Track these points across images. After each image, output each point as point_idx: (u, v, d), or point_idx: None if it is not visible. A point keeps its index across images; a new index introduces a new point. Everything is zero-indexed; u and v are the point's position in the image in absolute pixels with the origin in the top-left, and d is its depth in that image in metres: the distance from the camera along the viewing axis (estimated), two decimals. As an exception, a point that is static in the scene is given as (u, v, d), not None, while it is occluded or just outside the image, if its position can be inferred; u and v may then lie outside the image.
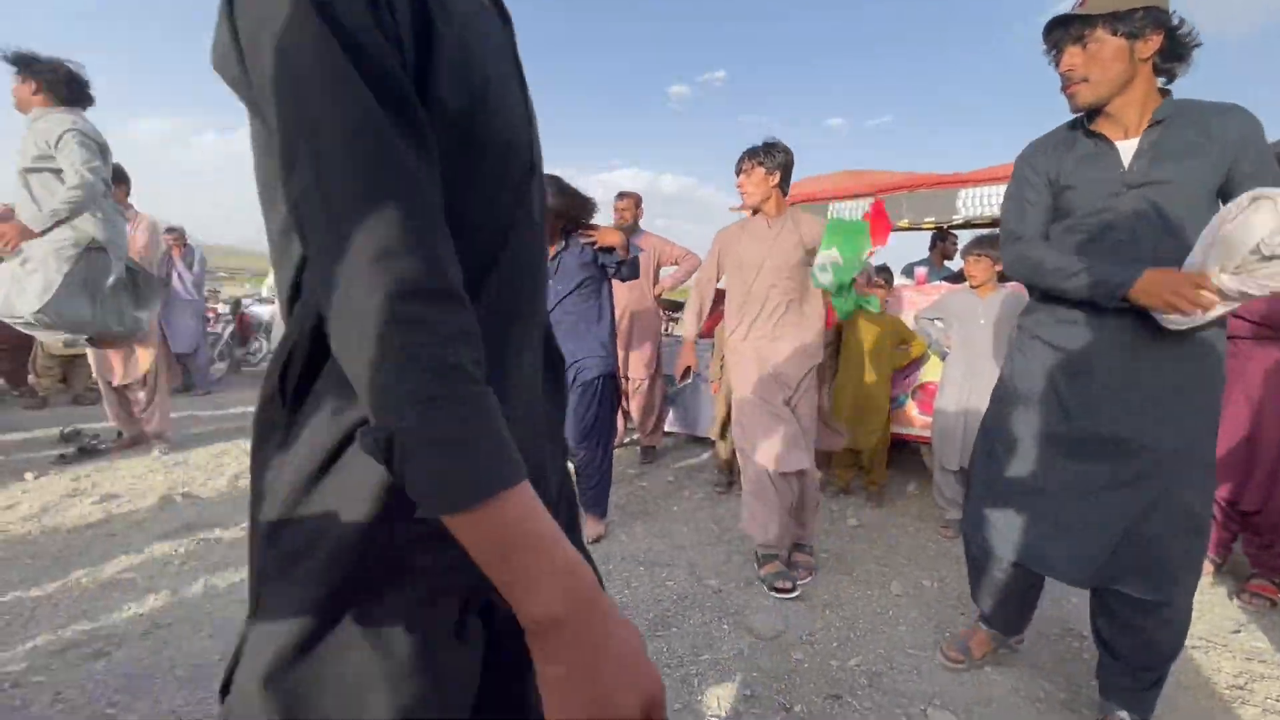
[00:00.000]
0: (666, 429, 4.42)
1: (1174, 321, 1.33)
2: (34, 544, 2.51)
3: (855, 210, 4.16)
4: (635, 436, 4.25)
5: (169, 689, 1.67)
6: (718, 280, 2.67)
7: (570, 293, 2.61)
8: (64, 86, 2.78)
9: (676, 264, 4.08)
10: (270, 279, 8.37)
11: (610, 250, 2.57)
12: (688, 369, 2.63)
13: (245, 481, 3.35)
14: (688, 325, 2.75)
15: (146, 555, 2.44)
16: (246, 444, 4.07)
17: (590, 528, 2.78)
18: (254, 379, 6.03)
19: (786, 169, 2.43)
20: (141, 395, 3.79)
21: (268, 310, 7.21)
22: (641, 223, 4.13)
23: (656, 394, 4.10)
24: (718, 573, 2.52)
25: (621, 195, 4.13)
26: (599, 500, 2.78)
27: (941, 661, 1.91)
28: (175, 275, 5.94)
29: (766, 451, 2.36)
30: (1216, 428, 1.46)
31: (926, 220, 4.19)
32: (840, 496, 3.51)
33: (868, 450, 3.35)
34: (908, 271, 4.67)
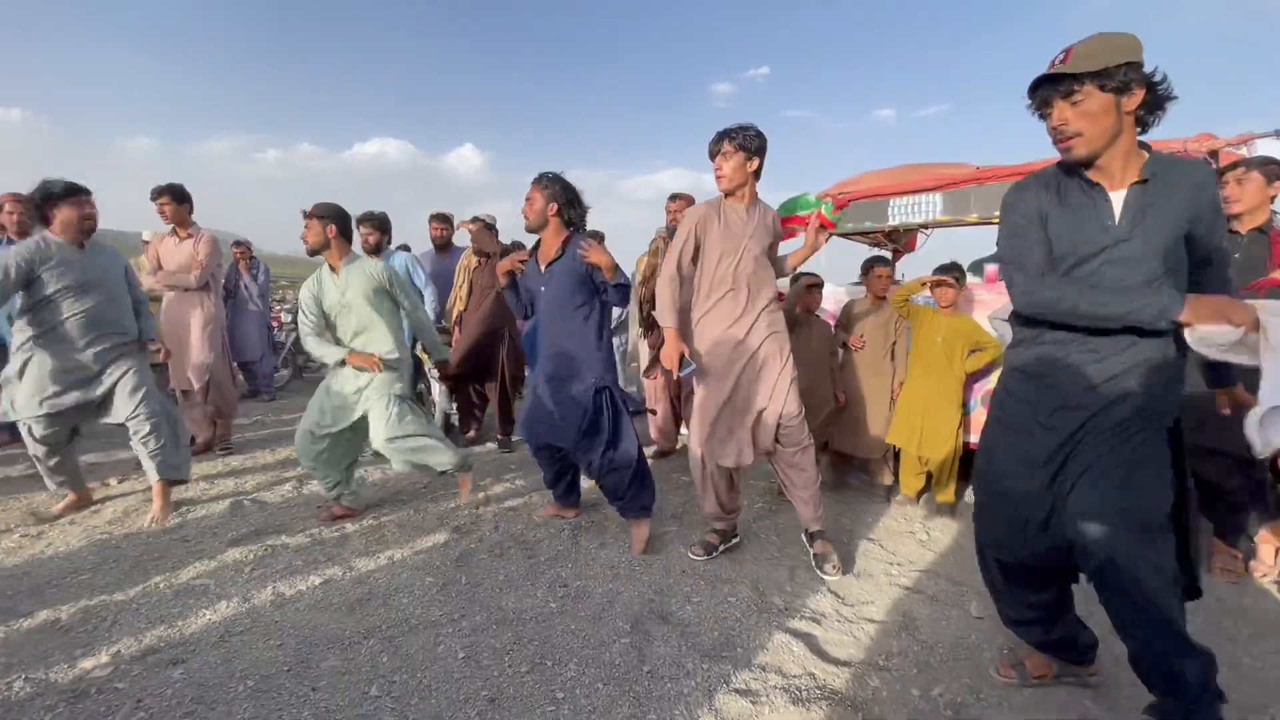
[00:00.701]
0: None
1: (1209, 341, 1.35)
2: (118, 548, 2.62)
3: (918, 207, 3.96)
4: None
5: (240, 701, 1.69)
6: (694, 262, 2.51)
7: (562, 299, 2.64)
8: None
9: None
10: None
11: (597, 270, 2.57)
12: (682, 356, 2.47)
13: (309, 487, 3.45)
14: (666, 313, 2.46)
15: (219, 562, 2.50)
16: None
17: (636, 531, 2.72)
18: (315, 384, 6.22)
19: (763, 154, 2.43)
20: (206, 402, 3.96)
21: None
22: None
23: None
24: (782, 590, 2.41)
25: (674, 197, 4.06)
26: (633, 501, 2.67)
27: (995, 677, 1.86)
28: (242, 285, 6.21)
29: (707, 442, 2.50)
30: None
31: (995, 215, 3.96)
32: (908, 507, 3.33)
33: (936, 460, 3.17)
34: (976, 268, 4.43)
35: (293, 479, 3.63)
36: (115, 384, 2.89)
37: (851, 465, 3.76)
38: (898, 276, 5.93)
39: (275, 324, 7.26)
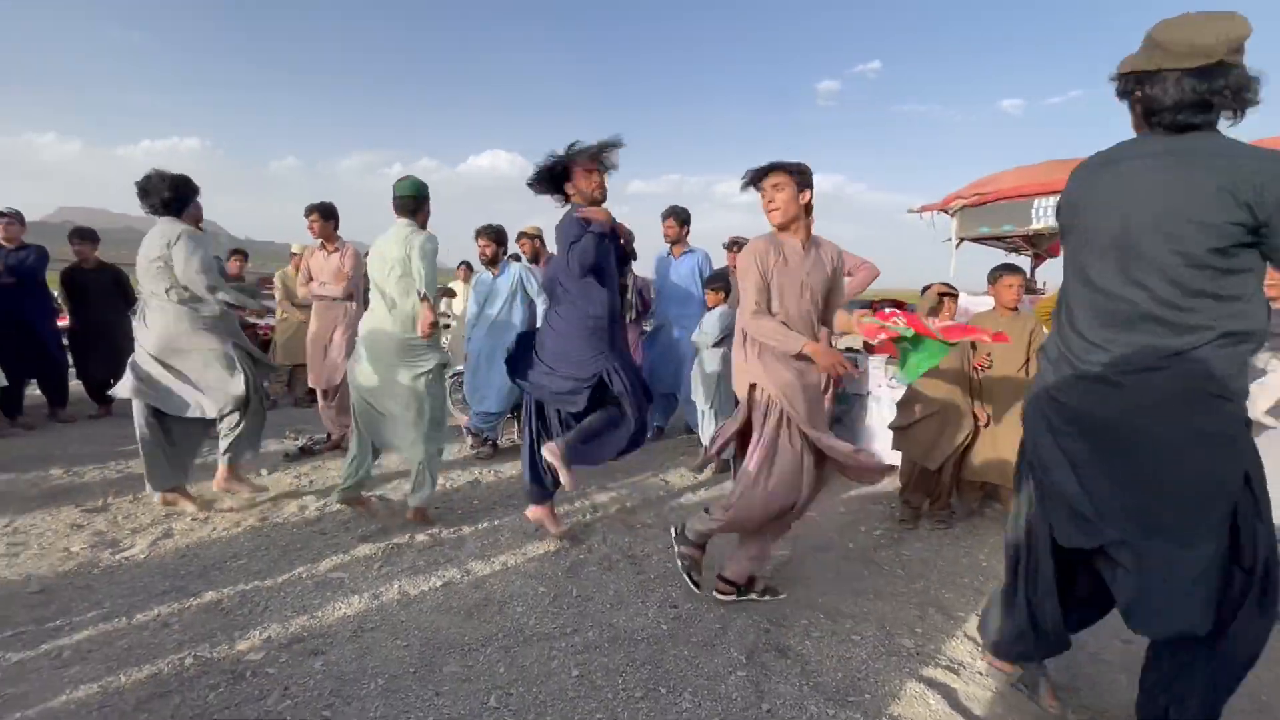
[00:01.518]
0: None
1: None
2: (267, 537, 2.87)
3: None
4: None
5: (372, 698, 1.77)
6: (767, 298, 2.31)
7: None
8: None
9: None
10: (445, 304, 9.17)
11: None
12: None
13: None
14: (791, 341, 2.22)
15: (351, 556, 2.67)
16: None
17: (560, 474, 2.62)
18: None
19: (812, 189, 2.27)
20: (334, 401, 4.27)
21: (446, 327, 7.89)
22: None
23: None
24: (913, 631, 2.21)
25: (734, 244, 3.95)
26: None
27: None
28: (373, 293, 6.69)
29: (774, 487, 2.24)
30: None
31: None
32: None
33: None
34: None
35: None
36: None
37: (983, 493, 3.42)
38: (1039, 285, 5.37)
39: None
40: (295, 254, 5.90)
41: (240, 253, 6.73)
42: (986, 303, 3.36)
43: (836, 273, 2.38)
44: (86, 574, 2.47)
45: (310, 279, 4.37)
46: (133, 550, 2.69)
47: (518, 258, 5.60)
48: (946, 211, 4.37)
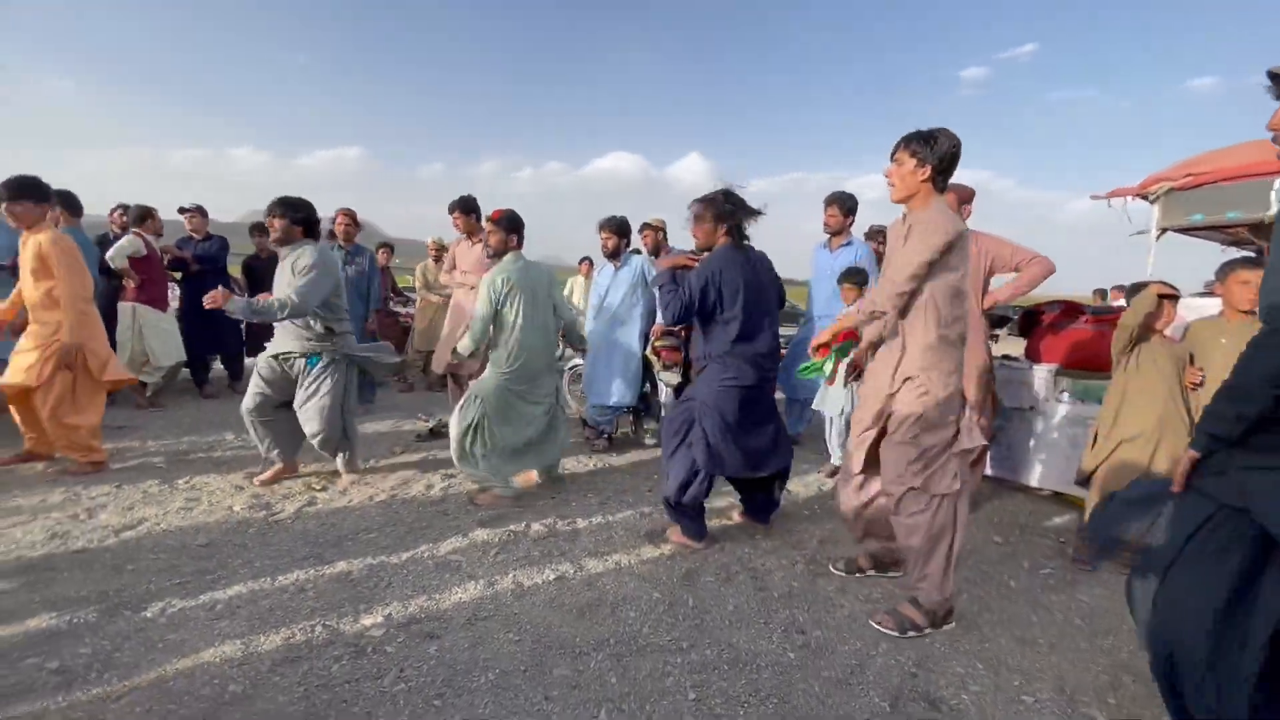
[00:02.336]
0: (986, 471, 3.60)
1: None
2: (395, 514, 2.98)
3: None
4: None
5: (482, 693, 1.71)
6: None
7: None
8: None
9: (1016, 270, 3.25)
10: (568, 290, 9.41)
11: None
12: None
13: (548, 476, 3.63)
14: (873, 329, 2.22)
15: (470, 540, 2.69)
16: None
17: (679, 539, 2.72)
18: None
19: (945, 163, 2.07)
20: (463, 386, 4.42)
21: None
22: (970, 221, 3.40)
23: (984, 427, 3.34)
24: (1104, 701, 1.80)
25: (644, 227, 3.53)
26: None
27: None
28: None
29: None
30: None
31: None
32: None
33: None
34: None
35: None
36: None
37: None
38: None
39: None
40: (443, 247, 6.27)
41: (387, 246, 7.29)
42: (1210, 305, 2.74)
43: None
44: (244, 533, 2.69)
45: (454, 267, 4.56)
46: (283, 515, 2.90)
47: (638, 251, 5.54)
48: (1145, 197, 3.67)
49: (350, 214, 5.02)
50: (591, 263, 8.19)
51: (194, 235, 5.27)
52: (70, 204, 4.38)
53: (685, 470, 2.59)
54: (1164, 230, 3.64)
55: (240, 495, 3.12)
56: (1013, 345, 5.33)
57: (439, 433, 4.44)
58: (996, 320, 3.80)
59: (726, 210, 2.63)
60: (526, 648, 1.92)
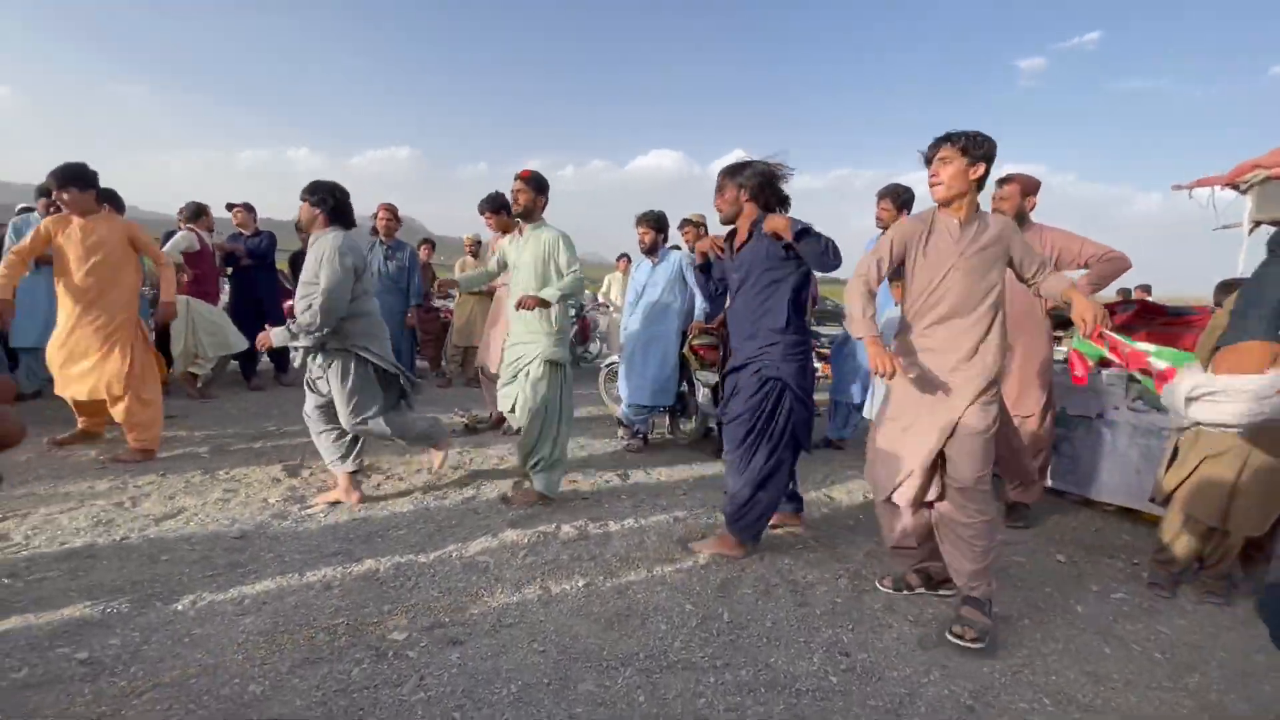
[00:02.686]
0: (1049, 484, 3.36)
1: None
2: (426, 510, 2.95)
3: None
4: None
5: (503, 706, 1.63)
6: (886, 274, 2.18)
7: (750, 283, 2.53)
8: None
9: (1086, 266, 3.00)
10: (605, 286, 9.36)
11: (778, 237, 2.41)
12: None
13: (586, 473, 3.55)
14: (856, 323, 2.12)
15: (499, 541, 2.63)
16: (591, 428, 4.41)
17: (724, 547, 2.58)
18: (590, 375, 6.68)
19: (989, 161, 2.05)
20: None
21: (604, 316, 8.00)
22: (1033, 215, 3.16)
23: (1042, 435, 3.10)
24: (1193, 750, 1.60)
25: (1001, 182, 3.23)
26: (734, 525, 2.55)
27: None
28: (539, 282, 6.94)
29: (883, 473, 2.17)
30: None
31: None
32: None
33: None
34: None
35: (569, 463, 3.78)
36: None
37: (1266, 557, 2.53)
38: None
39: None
40: (478, 242, 6.31)
41: (429, 242, 7.36)
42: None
43: (1012, 252, 2.08)
44: (277, 526, 2.69)
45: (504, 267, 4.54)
46: (315, 509, 2.90)
47: (677, 247, 5.41)
48: (1236, 187, 3.34)
49: (391, 209, 5.06)
50: (629, 259, 8.09)
51: (241, 231, 5.40)
52: (115, 201, 4.57)
53: (768, 461, 2.46)
54: (1258, 224, 3.31)
55: (277, 487, 3.14)
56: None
57: (475, 429, 4.42)
58: (1060, 321, 3.53)
59: (751, 182, 2.51)
60: (551, 659, 1.84)
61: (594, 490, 3.34)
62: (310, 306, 2.75)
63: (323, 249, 2.81)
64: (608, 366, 5.27)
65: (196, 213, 5.10)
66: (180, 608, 2.02)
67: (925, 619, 2.17)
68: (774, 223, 2.41)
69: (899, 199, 3.84)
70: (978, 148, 2.01)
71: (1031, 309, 3.05)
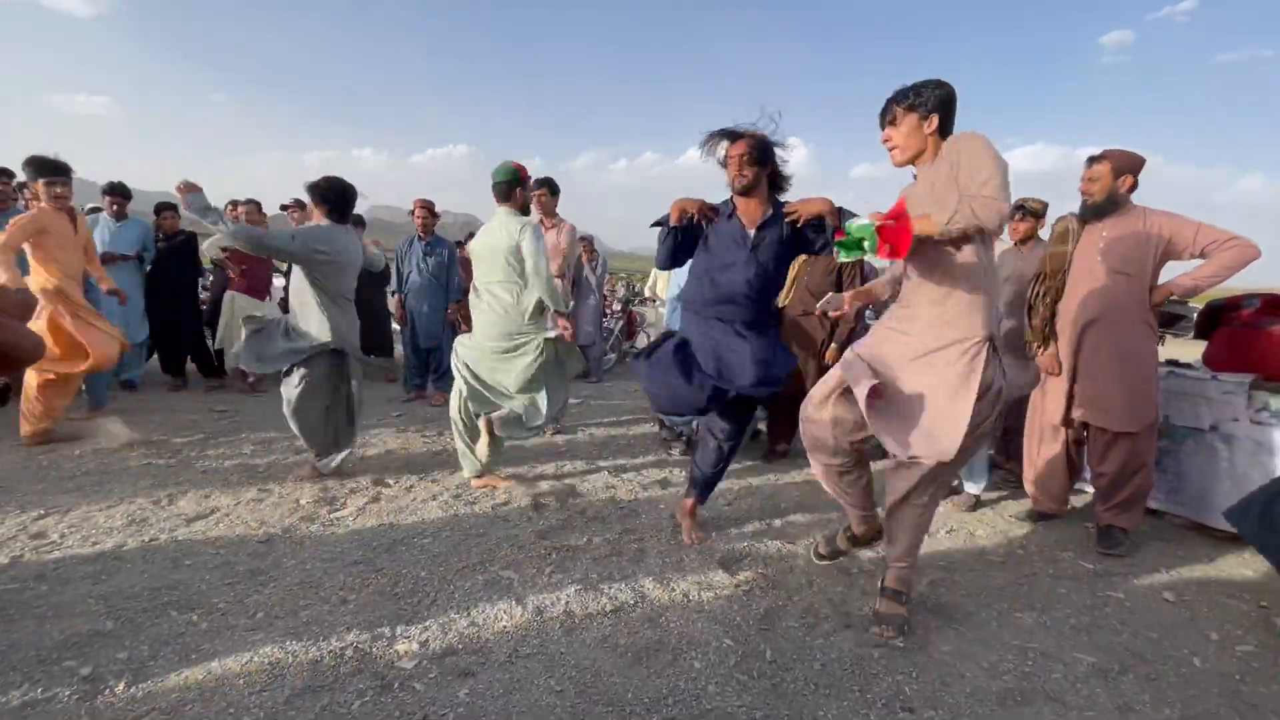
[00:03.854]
0: (1151, 504, 2.94)
1: None
2: (455, 517, 2.83)
3: None
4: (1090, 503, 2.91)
5: (511, 757, 1.45)
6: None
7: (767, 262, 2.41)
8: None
9: (1203, 255, 2.58)
10: (652, 281, 9.13)
11: (819, 222, 2.24)
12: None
13: (624, 478, 3.37)
14: None
15: (525, 554, 2.46)
16: (632, 430, 4.23)
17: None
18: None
19: (944, 108, 1.86)
20: None
21: (650, 310, 7.78)
22: (1134, 197, 2.75)
23: (1142, 449, 2.70)
24: None
25: (1091, 160, 2.81)
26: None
27: None
28: (584, 276, 6.79)
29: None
30: None
31: None
32: None
33: None
34: None
35: (607, 467, 3.62)
36: None
37: None
38: None
39: (607, 311, 7.88)
40: None
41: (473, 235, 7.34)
42: None
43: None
44: (304, 529, 2.62)
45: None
46: (344, 512, 2.82)
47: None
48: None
49: (428, 205, 4.99)
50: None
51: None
52: (122, 193, 4.90)
53: None
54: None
55: (309, 489, 3.09)
56: (1179, 348, 4.44)
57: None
58: (1166, 318, 3.07)
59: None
60: (569, 700, 1.65)
61: (631, 499, 3.14)
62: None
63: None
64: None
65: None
66: (194, 618, 1.95)
67: (1004, 668, 1.87)
68: (812, 205, 2.22)
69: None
70: (920, 96, 1.85)
71: (1126, 301, 2.66)
